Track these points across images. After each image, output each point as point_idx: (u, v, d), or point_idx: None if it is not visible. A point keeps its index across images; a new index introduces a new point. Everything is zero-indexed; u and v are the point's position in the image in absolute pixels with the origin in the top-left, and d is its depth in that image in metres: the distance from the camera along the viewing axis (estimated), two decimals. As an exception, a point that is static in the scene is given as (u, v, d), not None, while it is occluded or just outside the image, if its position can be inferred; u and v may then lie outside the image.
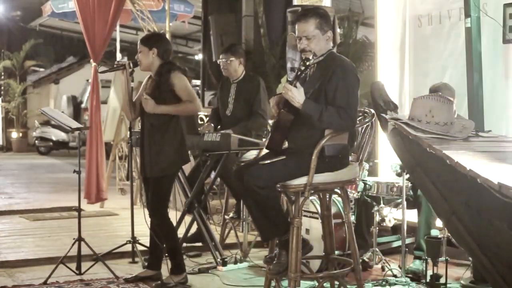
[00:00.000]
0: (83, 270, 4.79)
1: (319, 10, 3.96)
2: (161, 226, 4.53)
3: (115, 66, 4.64)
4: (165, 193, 4.52)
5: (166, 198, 4.54)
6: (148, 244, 4.80)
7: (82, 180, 4.94)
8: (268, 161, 3.70)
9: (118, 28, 9.11)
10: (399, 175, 4.78)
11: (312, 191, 3.75)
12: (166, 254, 4.91)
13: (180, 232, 5.03)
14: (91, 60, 7.15)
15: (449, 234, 4.49)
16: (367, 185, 4.94)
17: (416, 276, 4.64)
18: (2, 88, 18.29)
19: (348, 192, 4.43)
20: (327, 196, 3.97)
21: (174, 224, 4.78)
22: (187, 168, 5.32)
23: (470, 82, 4.74)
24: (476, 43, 4.70)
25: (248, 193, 3.67)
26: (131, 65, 4.56)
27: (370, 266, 4.93)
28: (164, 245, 4.56)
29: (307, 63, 3.68)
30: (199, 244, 5.45)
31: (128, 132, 5.12)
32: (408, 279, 4.57)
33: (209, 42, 9.67)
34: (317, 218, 4.63)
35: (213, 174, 5.37)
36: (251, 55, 8.98)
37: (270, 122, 5.45)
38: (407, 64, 5.85)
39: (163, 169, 4.47)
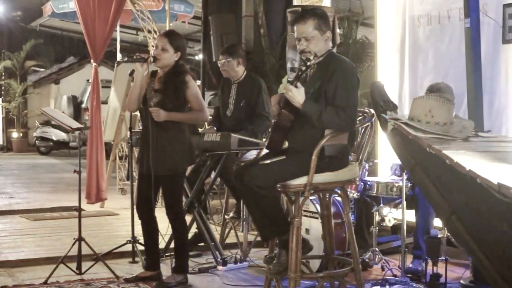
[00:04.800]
0: (83, 270, 4.79)
1: (317, 10, 3.97)
2: (175, 223, 4.56)
3: (136, 57, 4.53)
4: (180, 190, 4.59)
5: (181, 195, 4.61)
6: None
7: (82, 180, 4.94)
8: (268, 161, 3.70)
9: (118, 28, 9.12)
10: (399, 175, 4.79)
11: (312, 191, 3.75)
12: (166, 254, 4.93)
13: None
14: (92, 60, 7.16)
15: (449, 234, 4.50)
16: (367, 185, 4.94)
17: (416, 276, 4.64)
18: (3, 88, 18.29)
19: (348, 192, 4.44)
20: (327, 196, 3.97)
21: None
22: (187, 168, 5.32)
23: (470, 82, 4.74)
24: (476, 43, 4.70)
25: (248, 193, 3.68)
26: (151, 60, 4.46)
27: (370, 266, 4.94)
28: (170, 244, 4.58)
29: (308, 64, 3.68)
30: (199, 244, 5.45)
31: (128, 132, 5.12)
32: (408, 279, 4.57)
33: (209, 42, 9.68)
34: (317, 218, 4.63)
35: (213, 174, 5.37)
36: (251, 55, 8.99)
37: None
38: (407, 64, 5.85)
39: (172, 168, 4.48)
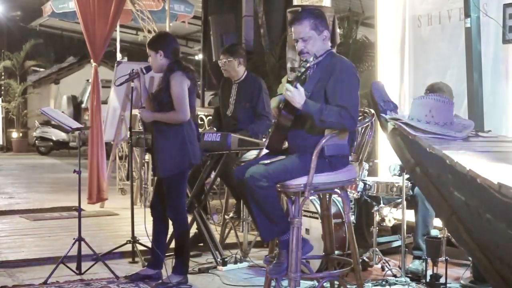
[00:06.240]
0: (83, 270, 4.79)
1: (314, 10, 3.95)
2: (174, 224, 4.59)
3: (130, 75, 4.66)
4: (179, 191, 4.56)
5: (178, 197, 4.56)
6: (148, 244, 4.82)
7: (82, 180, 4.95)
8: (268, 161, 3.70)
9: (118, 28, 9.12)
10: (399, 175, 4.79)
11: (312, 191, 3.75)
12: (167, 254, 4.93)
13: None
14: (92, 60, 7.16)
15: (449, 234, 4.50)
16: (367, 185, 4.94)
17: (416, 276, 4.64)
18: (3, 88, 18.29)
19: (348, 192, 4.44)
20: (327, 196, 3.97)
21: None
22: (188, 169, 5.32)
23: (470, 82, 4.74)
24: (476, 43, 4.70)
25: (248, 193, 3.68)
26: (144, 71, 4.61)
27: (370, 266, 4.94)
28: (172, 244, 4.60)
29: (307, 64, 3.66)
30: (199, 244, 5.45)
31: (128, 132, 5.12)
32: (408, 279, 4.58)
33: (209, 42, 9.67)
34: (317, 218, 4.63)
35: (213, 174, 5.38)
36: (251, 55, 8.98)
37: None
38: (407, 64, 5.85)
39: (165, 170, 4.50)
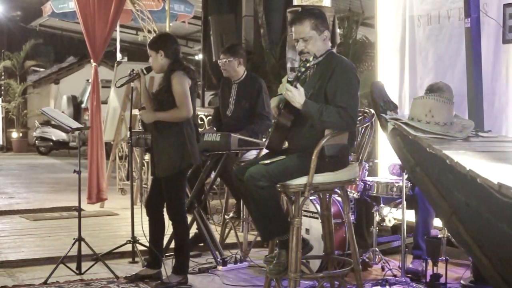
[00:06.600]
0: (83, 270, 4.79)
1: (314, 10, 3.96)
2: (174, 224, 4.59)
3: (130, 76, 4.69)
4: (178, 191, 4.56)
5: (180, 196, 4.58)
6: (148, 244, 4.82)
7: (83, 180, 4.95)
8: (268, 161, 3.70)
9: (118, 28, 9.12)
10: (398, 175, 4.79)
11: (312, 191, 3.75)
12: (166, 254, 4.93)
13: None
14: (91, 60, 7.16)
15: (449, 234, 4.50)
16: (367, 185, 4.94)
17: (416, 276, 4.64)
18: (2, 88, 18.29)
19: (348, 192, 4.44)
20: (327, 196, 3.97)
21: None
22: (188, 169, 5.32)
23: (470, 82, 4.74)
24: (476, 43, 4.70)
25: (248, 193, 3.68)
26: (145, 71, 4.63)
27: (370, 266, 4.94)
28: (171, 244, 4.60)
29: (307, 64, 3.67)
30: (199, 244, 5.45)
31: (128, 132, 5.13)
32: (408, 279, 4.57)
33: (209, 42, 9.67)
34: (317, 218, 4.63)
35: (213, 174, 5.38)
36: (251, 55, 8.99)
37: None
38: (407, 64, 5.85)
39: (164, 170, 4.51)
